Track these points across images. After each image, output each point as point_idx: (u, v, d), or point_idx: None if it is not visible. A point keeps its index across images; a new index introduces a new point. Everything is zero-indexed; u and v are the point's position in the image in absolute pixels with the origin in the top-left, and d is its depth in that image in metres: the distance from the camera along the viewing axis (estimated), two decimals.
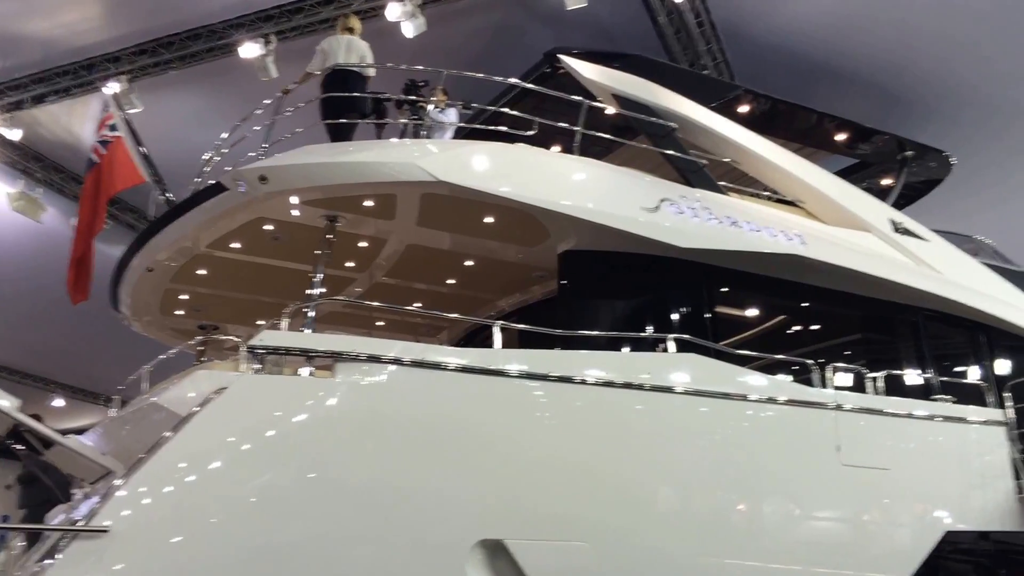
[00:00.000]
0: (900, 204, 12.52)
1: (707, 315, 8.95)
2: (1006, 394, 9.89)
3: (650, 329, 8.53)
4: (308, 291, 7.78)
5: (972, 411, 9.62)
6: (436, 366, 7.01)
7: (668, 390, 7.86)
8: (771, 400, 8.40)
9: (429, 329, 11.45)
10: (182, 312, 10.77)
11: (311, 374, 6.70)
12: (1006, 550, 9.71)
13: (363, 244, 9.45)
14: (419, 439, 6.80)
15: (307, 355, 6.68)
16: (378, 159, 7.91)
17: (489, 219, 8.76)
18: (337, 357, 6.71)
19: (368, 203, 8.46)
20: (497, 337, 7.53)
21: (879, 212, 10.90)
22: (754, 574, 7.97)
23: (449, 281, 10.30)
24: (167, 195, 10.21)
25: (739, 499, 8.08)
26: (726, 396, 8.16)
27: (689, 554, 7.68)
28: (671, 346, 8.14)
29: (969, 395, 9.83)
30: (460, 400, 7.08)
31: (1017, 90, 16.02)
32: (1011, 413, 9.77)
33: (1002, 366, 10.49)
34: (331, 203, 8.32)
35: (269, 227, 8.84)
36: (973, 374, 10.22)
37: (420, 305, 10.34)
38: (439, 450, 6.85)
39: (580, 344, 8.04)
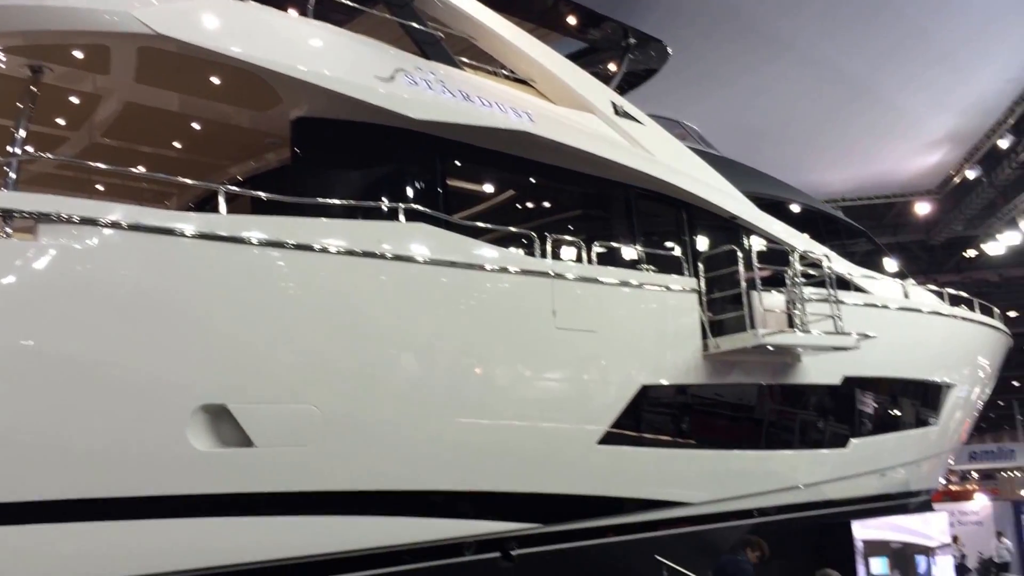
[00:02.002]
0: (622, 89, 13.28)
1: (439, 188, 9.19)
2: (700, 265, 11.01)
3: (384, 200, 8.62)
4: (9, 148, 7.11)
5: (671, 280, 10.66)
6: (158, 231, 6.75)
7: (398, 258, 8.08)
8: (495, 269, 8.88)
9: (156, 195, 10.84)
10: None
11: (8, 236, 6.21)
12: (692, 401, 11.02)
13: (75, 100, 8.68)
14: (137, 305, 6.60)
15: (6, 215, 6.18)
16: (89, 5, 7.23)
17: (217, 80, 8.34)
18: (43, 219, 6.26)
19: (78, 54, 7.76)
20: (222, 203, 7.33)
21: (602, 95, 11.51)
22: (482, 432, 8.59)
23: (176, 144, 9.76)
24: None
25: (466, 362, 8.60)
26: (453, 264, 8.53)
27: (421, 416, 8.11)
28: (402, 216, 8.31)
29: (670, 266, 10.86)
30: (182, 267, 6.90)
31: None
32: (703, 282, 10.91)
33: (699, 241, 11.62)
34: (34, 51, 7.56)
35: None
36: (674, 247, 11.25)
37: (144, 169, 9.74)
38: (159, 317, 6.70)
39: (313, 214, 8.01)
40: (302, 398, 7.33)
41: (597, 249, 9.94)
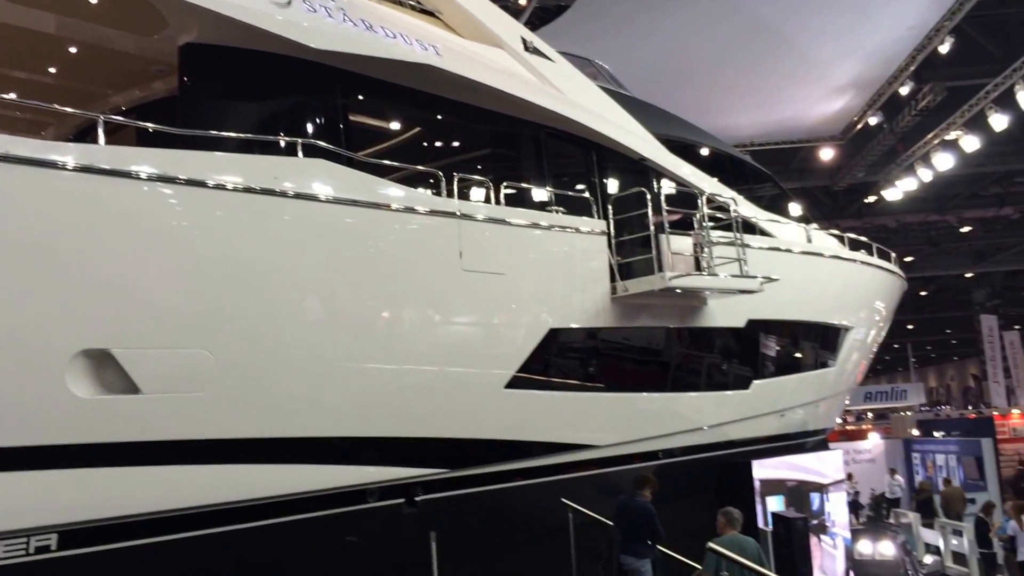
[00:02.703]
0: (533, 25, 13.02)
1: (340, 123, 8.84)
2: (609, 207, 10.96)
3: (281, 135, 8.24)
4: None
5: (580, 222, 10.59)
6: (32, 162, 6.28)
7: (297, 196, 7.75)
8: (400, 209, 8.62)
9: (30, 125, 10.15)
10: None
11: None
12: (600, 344, 11.06)
13: None
14: (9, 243, 6.15)
15: None
16: None
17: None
18: None
19: None
20: (101, 134, 6.87)
21: (512, 30, 11.25)
22: (386, 377, 8.42)
23: (51, 70, 9.11)
24: None
25: (370, 304, 8.38)
26: (355, 203, 8.25)
27: (321, 360, 7.89)
28: (300, 152, 7.96)
29: (579, 207, 10.77)
30: (59, 201, 6.44)
31: None
32: (612, 224, 10.87)
33: (608, 183, 11.56)
34: None
35: None
36: (583, 189, 11.16)
37: (16, 96, 9.07)
38: (34, 255, 6.25)
39: (204, 148, 7.58)
40: (193, 342, 7.01)
41: (506, 190, 9.77)
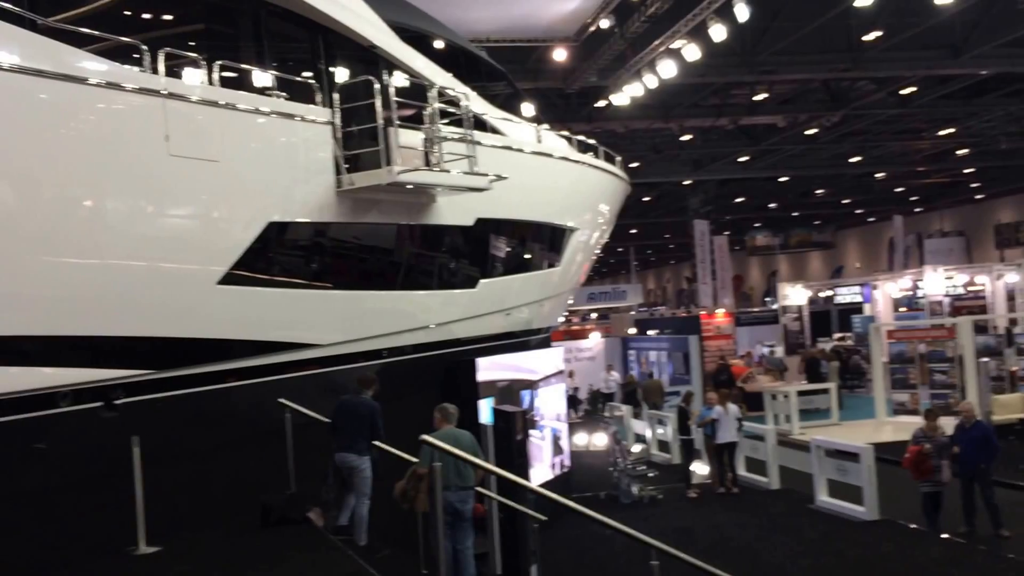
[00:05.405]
0: None
1: None
2: (335, 96, 10.72)
3: None
4: None
5: (304, 109, 10.29)
6: None
7: None
8: (97, 84, 7.99)
9: None
10: None
11: None
12: (323, 240, 10.95)
13: None
14: None
15: None
16: None
17: None
18: None
19: None
20: None
21: None
22: (82, 271, 7.90)
23: None
24: None
25: (62, 190, 7.81)
26: (42, 74, 7.53)
27: (9, 253, 7.32)
28: None
29: (303, 94, 10.45)
30: None
31: None
32: (338, 115, 10.66)
33: (336, 71, 11.27)
34: None
35: None
36: (309, 75, 10.81)
37: None
38: None
39: None
40: None
41: (221, 71, 9.25)
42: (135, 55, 8.54)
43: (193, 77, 9.10)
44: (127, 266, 8.35)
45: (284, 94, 10.13)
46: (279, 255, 10.24)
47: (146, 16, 9.91)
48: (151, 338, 8.72)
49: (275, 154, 10.00)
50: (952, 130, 35.21)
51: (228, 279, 9.24)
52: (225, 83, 9.33)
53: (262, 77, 10.10)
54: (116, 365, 8.39)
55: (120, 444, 8.04)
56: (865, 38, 23.13)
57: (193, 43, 9.74)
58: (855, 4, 19.94)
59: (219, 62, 9.24)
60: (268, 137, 9.94)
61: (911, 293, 30.44)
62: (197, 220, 9.10)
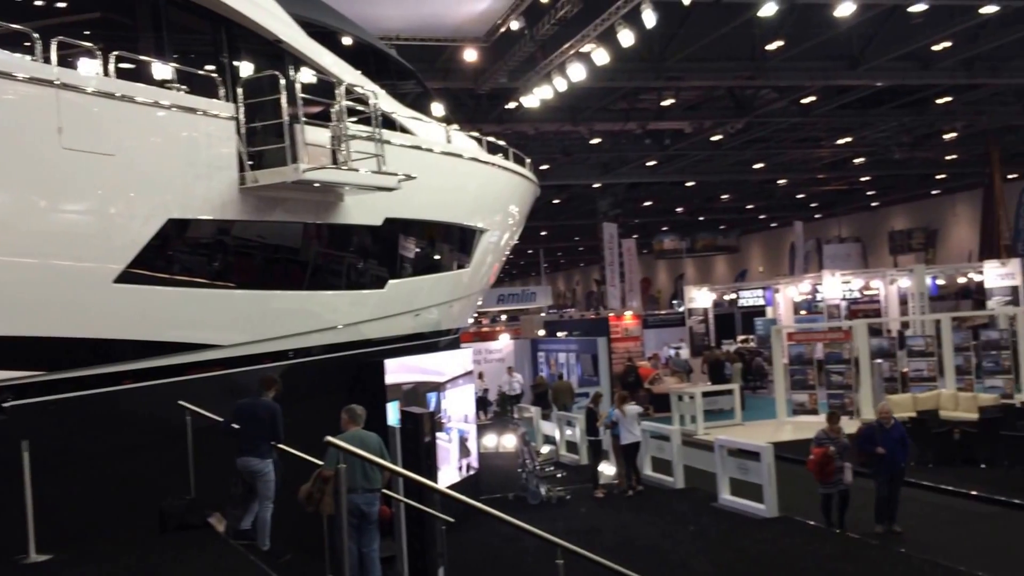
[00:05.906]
0: None
1: None
2: (239, 90, 10.50)
3: None
4: None
5: (205, 104, 10.06)
6: None
7: None
8: None
9: None
10: None
11: None
12: (226, 238, 10.72)
13: None
14: None
15: None
16: None
17: None
18: None
19: None
20: None
21: None
22: None
23: None
24: None
25: None
26: None
27: None
28: None
29: (205, 88, 10.21)
30: None
31: None
32: (242, 110, 10.45)
33: (240, 65, 11.04)
34: None
35: None
36: (211, 68, 10.57)
37: None
38: None
39: None
40: None
41: (117, 62, 8.97)
42: (26, 43, 8.23)
43: (88, 68, 8.82)
44: (18, 263, 8.05)
45: (185, 87, 9.88)
46: (179, 253, 9.99)
47: (38, 3, 9.56)
48: (43, 338, 8.41)
49: (175, 149, 9.75)
50: (849, 139, 36.58)
51: (125, 277, 8.98)
52: (123, 75, 9.06)
53: (162, 69, 9.83)
54: (5, 366, 8.07)
55: (9, 449, 7.73)
56: (768, 47, 23.87)
57: (88, 32, 9.44)
58: (759, 14, 20.49)
59: (116, 53, 8.97)
60: (168, 131, 9.68)
61: (811, 297, 31.47)
62: (92, 216, 8.81)
